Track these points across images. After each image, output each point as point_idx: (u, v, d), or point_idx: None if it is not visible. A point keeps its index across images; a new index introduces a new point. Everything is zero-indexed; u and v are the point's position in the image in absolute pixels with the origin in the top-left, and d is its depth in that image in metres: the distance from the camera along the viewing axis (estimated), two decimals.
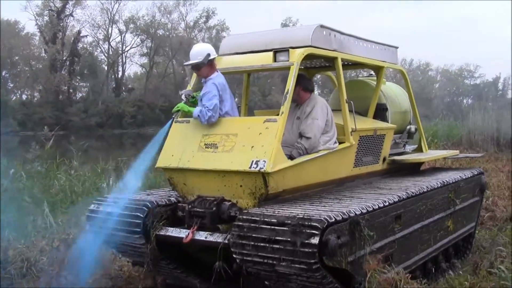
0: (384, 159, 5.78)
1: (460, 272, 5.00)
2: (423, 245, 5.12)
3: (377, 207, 4.20)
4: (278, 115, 4.43)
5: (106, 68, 60.48)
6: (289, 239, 3.62)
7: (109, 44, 59.87)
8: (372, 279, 3.86)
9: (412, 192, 4.87)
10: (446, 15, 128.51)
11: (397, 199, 4.52)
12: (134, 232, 4.44)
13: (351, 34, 5.42)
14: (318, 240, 3.51)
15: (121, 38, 60.74)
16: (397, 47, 6.43)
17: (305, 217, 3.67)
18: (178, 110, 4.77)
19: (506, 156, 15.15)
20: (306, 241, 3.55)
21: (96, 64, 58.38)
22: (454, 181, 5.88)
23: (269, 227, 3.73)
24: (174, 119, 4.82)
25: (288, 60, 4.46)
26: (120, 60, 61.12)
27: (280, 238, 3.67)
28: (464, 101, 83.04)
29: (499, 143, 17.02)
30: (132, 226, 4.46)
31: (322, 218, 3.61)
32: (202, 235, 4.22)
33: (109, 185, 8.95)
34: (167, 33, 62.53)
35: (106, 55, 60.18)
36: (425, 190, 5.13)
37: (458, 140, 17.82)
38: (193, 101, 4.88)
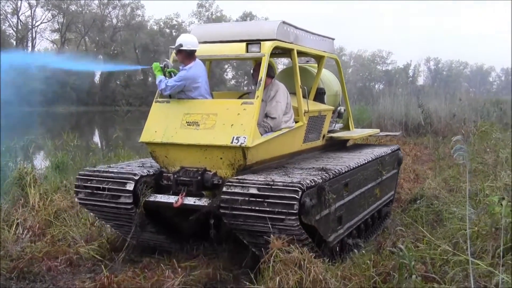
0: (323, 136, 6.70)
1: (364, 251, 5.21)
2: (360, 209, 6.08)
3: (336, 175, 5.04)
4: (240, 97, 5.26)
5: (14, 43, 57.17)
6: (275, 200, 4.35)
7: (18, 18, 56.56)
8: (276, 258, 4.10)
9: (357, 163, 5.79)
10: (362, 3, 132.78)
11: (347, 169, 5.41)
12: (125, 197, 4.93)
13: (302, 28, 6.24)
14: (298, 201, 4.28)
15: (31, 12, 57.61)
16: (333, 39, 7.36)
17: (286, 183, 4.42)
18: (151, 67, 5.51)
19: (413, 141, 16.31)
20: (290, 202, 4.29)
21: (3, 39, 54.82)
22: (381, 155, 6.93)
23: (257, 189, 4.43)
24: (155, 99, 5.39)
25: (259, 51, 5.17)
26: (30, 35, 58.16)
27: (266, 199, 4.37)
28: (376, 86, 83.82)
29: (407, 128, 18.19)
30: (122, 193, 4.95)
31: (301, 183, 4.38)
32: (190, 200, 4.84)
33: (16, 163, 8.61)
34: (80, 9, 60.07)
35: (15, 29, 56.89)
36: (364, 162, 6.10)
37: (368, 123, 18.70)
38: (169, 72, 5.44)
